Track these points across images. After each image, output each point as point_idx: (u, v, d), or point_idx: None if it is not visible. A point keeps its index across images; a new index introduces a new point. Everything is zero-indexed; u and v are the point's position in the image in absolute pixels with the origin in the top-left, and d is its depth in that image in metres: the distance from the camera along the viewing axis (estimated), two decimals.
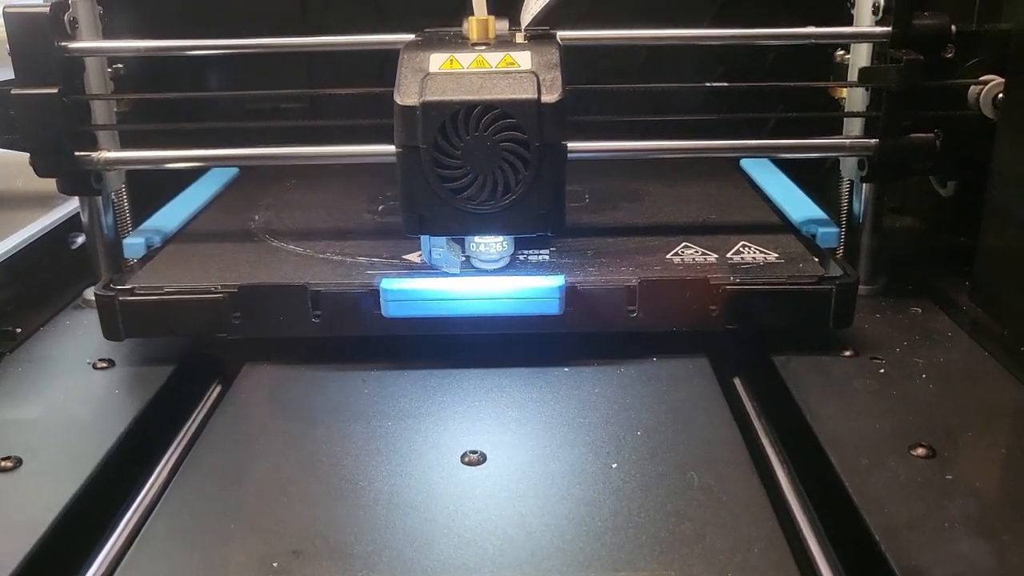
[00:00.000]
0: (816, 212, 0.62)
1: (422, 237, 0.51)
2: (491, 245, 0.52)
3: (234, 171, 0.73)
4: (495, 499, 0.40)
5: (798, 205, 0.63)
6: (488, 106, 0.46)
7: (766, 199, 0.66)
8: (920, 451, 0.43)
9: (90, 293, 0.61)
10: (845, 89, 0.59)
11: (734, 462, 0.42)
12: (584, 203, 0.64)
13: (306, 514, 0.39)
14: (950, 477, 0.41)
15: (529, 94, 0.47)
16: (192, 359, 0.54)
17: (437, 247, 0.51)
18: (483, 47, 0.49)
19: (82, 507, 0.40)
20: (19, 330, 0.57)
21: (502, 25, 0.52)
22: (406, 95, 0.47)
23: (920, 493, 0.40)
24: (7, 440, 0.45)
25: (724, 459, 0.43)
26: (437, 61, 0.48)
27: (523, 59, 0.49)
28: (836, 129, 0.60)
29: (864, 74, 0.55)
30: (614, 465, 0.42)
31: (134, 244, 0.59)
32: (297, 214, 0.63)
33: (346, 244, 0.57)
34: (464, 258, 0.53)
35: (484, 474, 0.42)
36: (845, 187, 0.61)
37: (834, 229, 0.59)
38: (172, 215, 0.64)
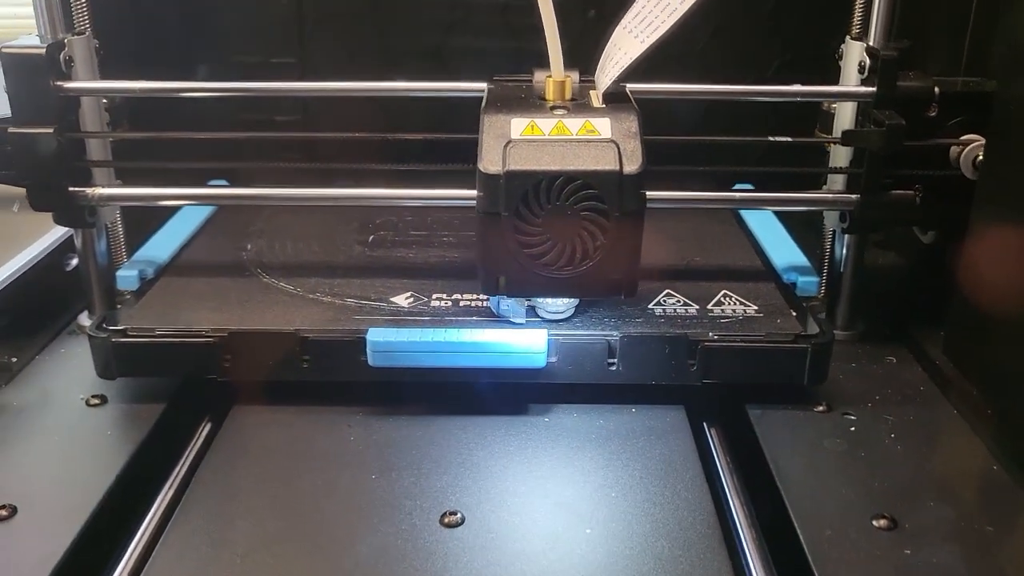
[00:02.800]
0: (799, 259, 0.63)
1: None
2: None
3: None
4: (471, 565, 0.42)
5: (782, 250, 0.64)
6: (570, 177, 0.47)
7: (751, 238, 0.67)
8: (882, 522, 0.44)
9: (84, 318, 0.62)
10: None
11: (703, 530, 0.44)
12: None
13: None
14: (908, 552, 0.43)
15: (611, 165, 0.47)
16: (182, 395, 0.55)
17: (506, 299, 0.53)
18: (562, 111, 0.50)
19: (73, 561, 0.42)
20: (15, 360, 0.58)
21: (574, 77, 0.52)
22: (490, 162, 0.47)
23: (878, 569, 0.42)
24: (4, 487, 0.46)
25: (694, 526, 0.44)
26: (518, 127, 0.49)
27: (603, 127, 0.49)
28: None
29: (848, 136, 0.56)
30: (588, 530, 0.44)
31: (127, 276, 0.60)
32: (288, 244, 0.65)
33: (335, 283, 0.58)
34: (529, 307, 0.54)
35: (461, 538, 0.43)
36: (828, 235, 0.62)
37: (814, 278, 0.61)
38: (165, 242, 0.65)
